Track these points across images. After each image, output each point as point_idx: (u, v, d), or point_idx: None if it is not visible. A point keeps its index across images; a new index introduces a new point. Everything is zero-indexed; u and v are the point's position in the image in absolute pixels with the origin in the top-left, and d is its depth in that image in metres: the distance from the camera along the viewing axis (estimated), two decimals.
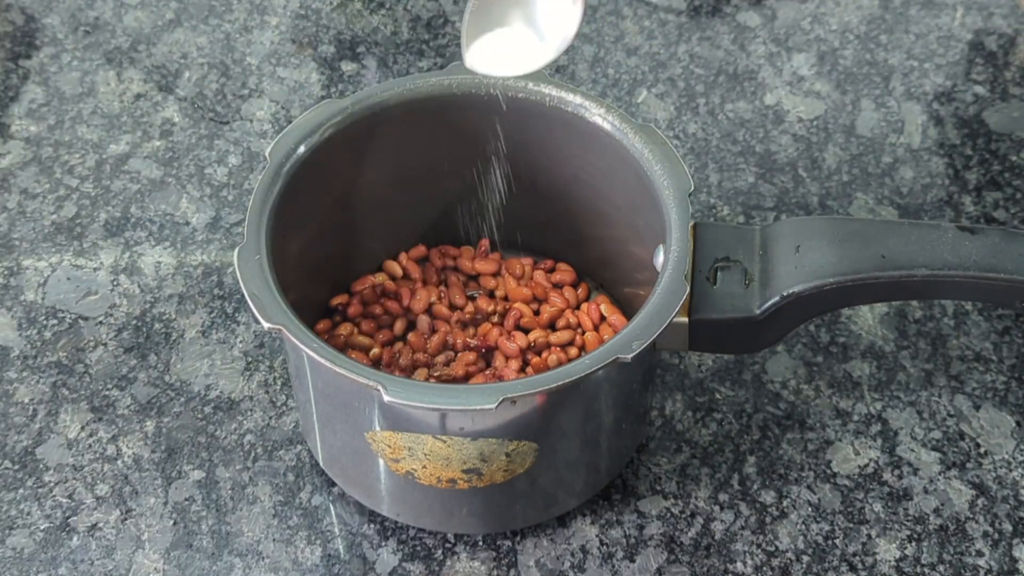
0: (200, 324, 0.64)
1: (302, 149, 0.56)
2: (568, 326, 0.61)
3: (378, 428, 0.52)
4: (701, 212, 0.69)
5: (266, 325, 0.50)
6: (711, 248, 0.55)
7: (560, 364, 0.57)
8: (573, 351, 0.60)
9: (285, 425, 0.60)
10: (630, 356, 0.49)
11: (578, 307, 0.62)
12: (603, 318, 0.61)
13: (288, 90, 0.75)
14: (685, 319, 0.53)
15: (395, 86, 0.58)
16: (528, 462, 0.53)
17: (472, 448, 0.51)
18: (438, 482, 0.53)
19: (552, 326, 0.61)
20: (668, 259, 0.53)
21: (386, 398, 0.48)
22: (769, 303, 0.53)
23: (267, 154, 0.56)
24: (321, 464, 0.58)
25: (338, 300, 0.62)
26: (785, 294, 0.53)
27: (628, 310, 0.61)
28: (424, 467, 0.52)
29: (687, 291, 0.52)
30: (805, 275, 0.53)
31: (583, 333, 0.61)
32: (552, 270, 0.64)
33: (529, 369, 0.59)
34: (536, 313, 0.62)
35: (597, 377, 0.49)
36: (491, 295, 0.63)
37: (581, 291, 0.63)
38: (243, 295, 0.51)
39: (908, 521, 0.57)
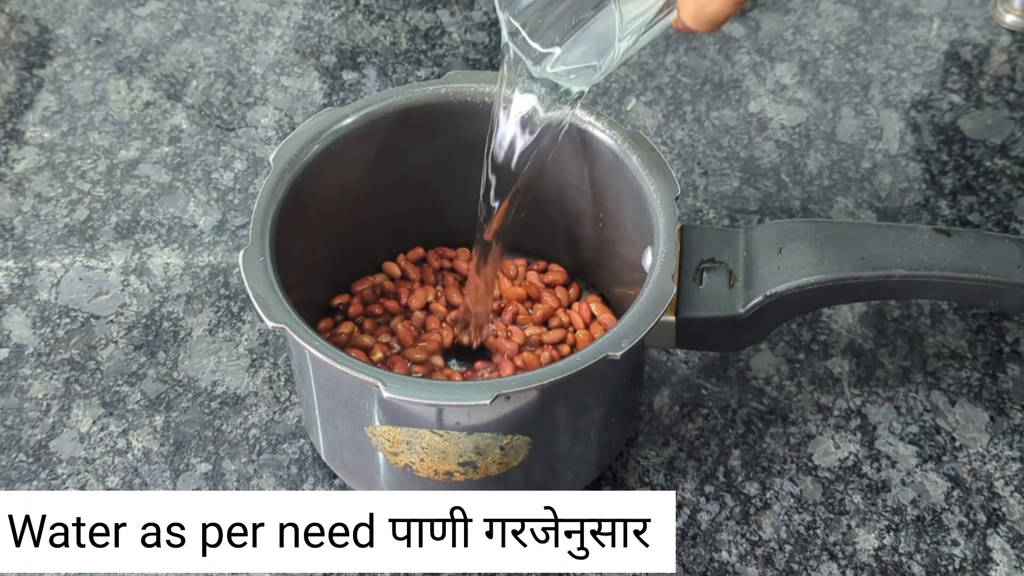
0: (207, 323, 0.64)
1: (305, 155, 0.56)
2: (560, 325, 0.61)
3: (378, 423, 0.52)
4: (688, 215, 0.69)
5: (270, 324, 0.50)
6: (697, 250, 0.55)
7: (552, 361, 0.57)
8: (565, 348, 0.60)
9: (288, 420, 0.61)
10: (619, 353, 0.50)
11: (569, 306, 0.62)
12: (593, 317, 0.61)
13: (291, 98, 0.75)
14: (672, 318, 0.53)
15: (394, 94, 0.58)
16: (522, 455, 0.53)
17: (468, 442, 0.52)
18: (435, 474, 0.53)
19: (545, 324, 0.61)
20: (656, 260, 0.53)
21: (385, 394, 0.48)
22: (753, 303, 0.53)
23: (271, 160, 0.56)
24: (323, 457, 0.58)
25: (339, 300, 0.62)
26: (768, 294, 0.53)
27: (618, 309, 0.61)
28: (422, 460, 0.53)
29: (674, 291, 0.52)
30: (787, 276, 0.53)
31: (574, 331, 0.61)
32: (545, 271, 0.64)
33: (520, 360, 0.60)
34: (529, 312, 0.62)
35: (588, 373, 0.49)
36: None
37: (572, 291, 0.63)
38: (248, 295, 0.51)
39: (886, 512, 0.58)
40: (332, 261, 0.62)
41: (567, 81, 0.51)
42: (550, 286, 0.63)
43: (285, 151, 0.56)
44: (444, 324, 0.62)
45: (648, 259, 0.55)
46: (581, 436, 0.55)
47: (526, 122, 0.53)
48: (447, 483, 0.54)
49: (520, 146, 0.54)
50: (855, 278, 0.54)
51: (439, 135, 0.60)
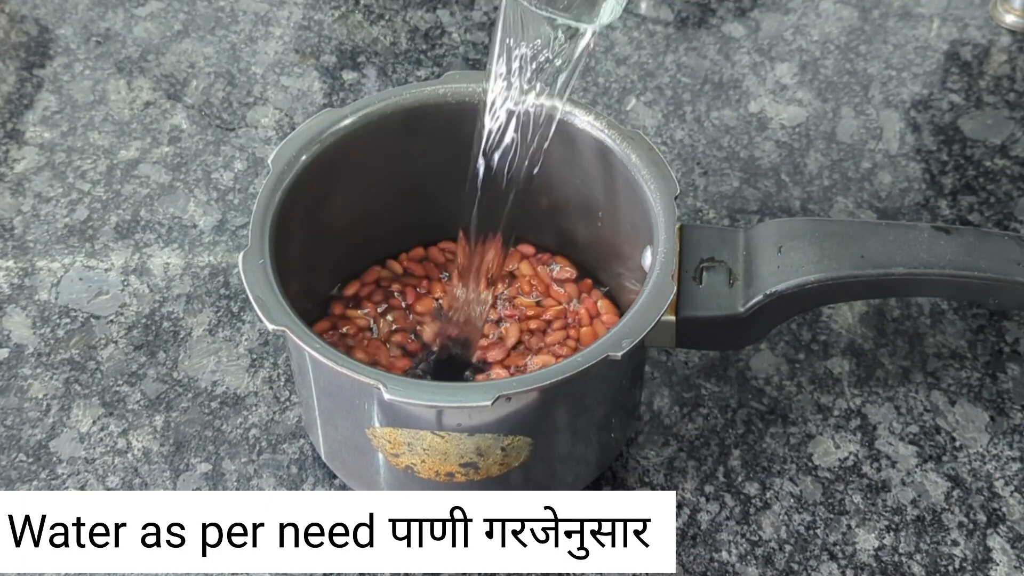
0: (207, 323, 0.65)
1: (304, 156, 0.56)
2: (563, 326, 0.61)
3: (378, 424, 0.52)
4: (688, 215, 0.69)
5: (270, 327, 0.50)
6: (697, 249, 0.55)
7: (555, 361, 0.57)
8: (570, 344, 0.60)
9: (288, 420, 0.61)
10: (620, 354, 0.50)
11: (577, 301, 0.62)
12: (598, 314, 0.61)
13: (291, 98, 0.75)
14: (672, 317, 0.53)
15: (393, 95, 0.59)
16: (523, 456, 0.53)
17: (469, 443, 0.52)
18: (436, 476, 0.53)
19: (547, 324, 0.61)
20: (656, 260, 0.53)
21: (386, 396, 0.48)
22: (753, 302, 0.54)
23: (270, 161, 0.56)
24: (323, 457, 0.58)
25: (351, 290, 0.62)
26: (768, 293, 0.53)
27: (618, 309, 0.61)
28: (423, 461, 0.53)
29: (674, 290, 0.52)
30: (787, 274, 0.53)
31: (579, 328, 0.61)
32: (549, 264, 0.63)
33: (519, 355, 0.60)
34: (539, 303, 0.62)
35: (588, 374, 0.50)
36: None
37: (581, 285, 0.63)
38: (248, 298, 0.51)
39: (886, 512, 0.58)
40: (332, 262, 0.62)
41: (575, 14, 0.51)
42: (558, 282, 0.63)
43: (284, 152, 0.56)
44: (420, 328, 0.62)
45: (648, 259, 0.55)
46: (581, 436, 0.55)
47: (528, 92, 0.53)
48: (448, 484, 0.54)
49: (524, 121, 0.53)
50: (855, 276, 0.54)
51: (439, 135, 0.60)
